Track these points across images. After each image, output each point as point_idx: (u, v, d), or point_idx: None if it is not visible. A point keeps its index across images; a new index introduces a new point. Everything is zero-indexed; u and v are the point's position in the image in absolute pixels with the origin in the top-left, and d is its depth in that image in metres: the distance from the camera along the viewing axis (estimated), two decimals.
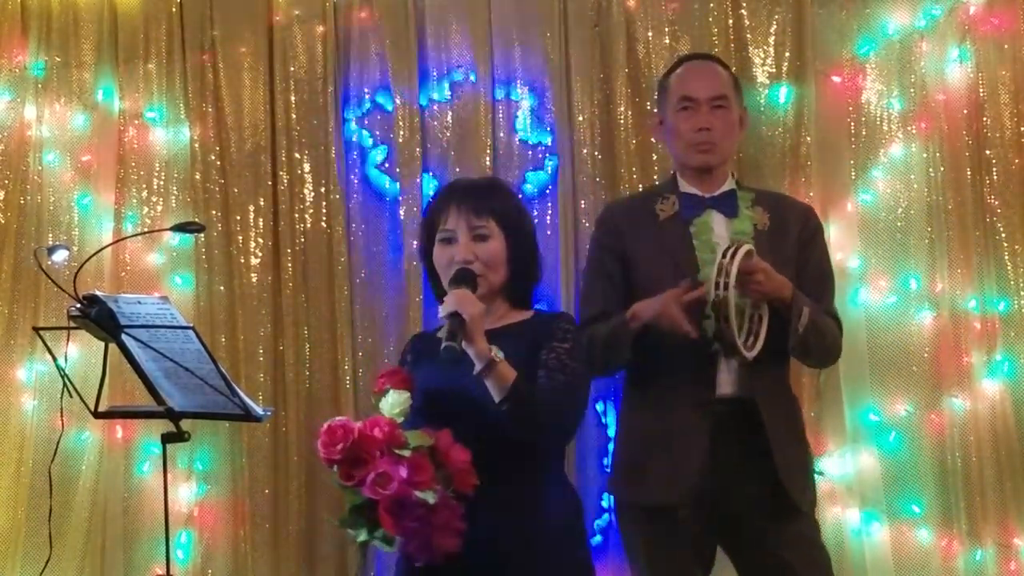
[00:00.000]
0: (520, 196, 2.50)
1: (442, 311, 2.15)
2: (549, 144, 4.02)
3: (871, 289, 3.82)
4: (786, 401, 2.77)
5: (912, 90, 3.85)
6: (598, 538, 3.88)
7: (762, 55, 3.94)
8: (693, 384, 2.65)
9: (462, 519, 2.04)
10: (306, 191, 4.10)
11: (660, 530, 2.71)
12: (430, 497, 1.99)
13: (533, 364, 2.21)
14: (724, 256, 2.49)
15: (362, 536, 2.04)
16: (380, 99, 4.10)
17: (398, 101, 4.06)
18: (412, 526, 2.00)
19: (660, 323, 2.56)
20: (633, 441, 2.78)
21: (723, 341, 2.52)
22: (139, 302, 2.71)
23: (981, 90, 3.81)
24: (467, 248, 2.26)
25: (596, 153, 3.99)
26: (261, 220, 4.09)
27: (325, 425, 2.06)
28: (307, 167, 4.10)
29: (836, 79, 3.90)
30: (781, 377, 2.77)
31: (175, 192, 4.14)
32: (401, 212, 4.06)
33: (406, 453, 2.01)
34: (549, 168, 4.02)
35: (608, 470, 2.86)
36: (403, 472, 1.98)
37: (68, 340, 3.15)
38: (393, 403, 2.13)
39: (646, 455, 2.72)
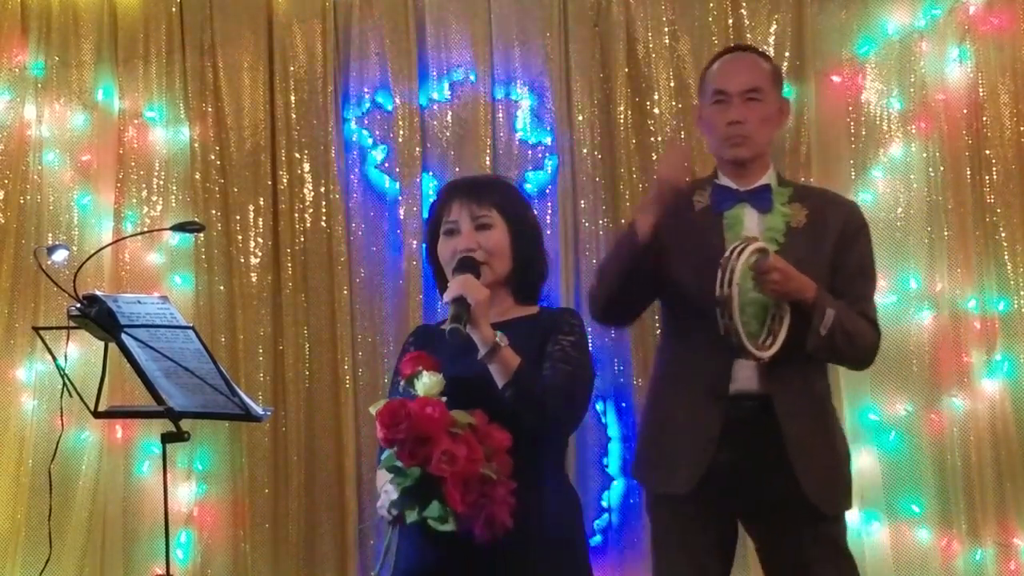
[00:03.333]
0: (525, 195, 2.47)
1: (446, 296, 2.16)
2: (549, 144, 4.02)
3: None
4: (810, 401, 2.67)
5: (912, 90, 3.85)
6: (598, 538, 3.88)
7: None
8: (710, 377, 2.63)
9: (513, 495, 2.05)
10: (306, 191, 4.10)
11: (676, 518, 2.71)
12: (492, 473, 2.01)
13: (538, 358, 2.22)
14: (731, 253, 2.46)
15: (413, 516, 2.03)
16: (380, 99, 4.10)
17: (398, 101, 4.07)
18: (479, 502, 2.01)
19: (656, 185, 2.53)
20: (652, 430, 2.79)
21: (730, 340, 2.48)
22: (139, 302, 2.71)
23: (981, 90, 3.82)
24: (470, 237, 2.27)
25: (596, 153, 3.99)
26: (261, 220, 4.10)
27: (381, 406, 2.05)
28: (307, 167, 4.10)
29: (836, 79, 3.90)
30: (806, 375, 2.68)
31: (175, 192, 4.14)
32: (401, 212, 4.06)
33: (458, 431, 2.02)
34: (549, 168, 4.02)
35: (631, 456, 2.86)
36: (464, 450, 1.99)
37: (68, 340, 3.15)
38: (430, 384, 2.12)
39: (661, 444, 2.72)
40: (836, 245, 2.68)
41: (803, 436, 2.61)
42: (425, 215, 4.01)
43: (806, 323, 2.55)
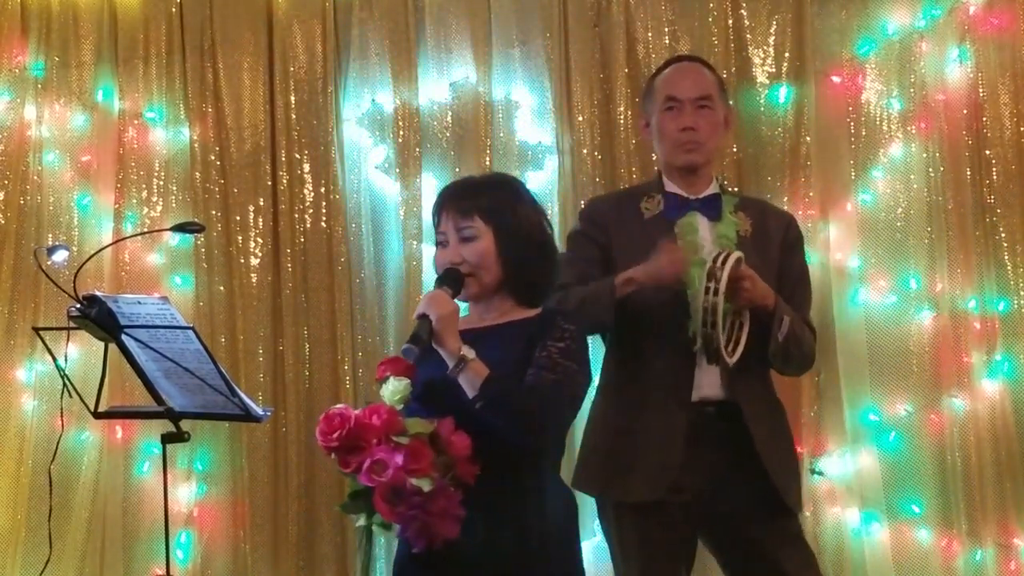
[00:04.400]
0: (524, 191, 2.44)
1: (415, 313, 2.19)
2: (549, 144, 4.02)
3: (871, 289, 3.82)
4: (770, 404, 2.77)
5: (912, 90, 3.85)
6: (597, 538, 3.87)
7: (762, 55, 3.94)
8: (672, 384, 2.65)
9: (460, 506, 2.05)
10: (306, 191, 4.10)
11: (638, 526, 2.71)
12: (426, 484, 1.99)
13: (527, 361, 2.21)
14: (715, 262, 2.49)
15: (361, 521, 2.07)
16: (380, 99, 4.10)
17: (398, 101, 4.07)
18: (408, 513, 2.01)
19: (659, 271, 2.55)
20: (607, 438, 2.76)
21: (708, 346, 2.53)
22: (139, 302, 2.71)
23: (981, 90, 3.81)
24: (454, 251, 2.28)
25: (596, 153, 3.99)
26: (261, 220, 4.10)
27: (324, 413, 2.08)
28: (307, 167, 4.10)
29: (836, 79, 3.90)
30: (764, 381, 2.77)
31: (175, 192, 4.14)
32: (401, 212, 4.06)
33: (404, 440, 2.02)
34: (549, 168, 4.02)
35: (576, 464, 2.84)
36: (399, 459, 1.99)
37: (68, 340, 3.15)
38: (393, 390, 2.15)
39: (620, 453, 2.71)
40: (780, 253, 2.76)
41: (768, 438, 2.67)
42: (425, 216, 4.01)
43: (763, 330, 2.61)
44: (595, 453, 2.79)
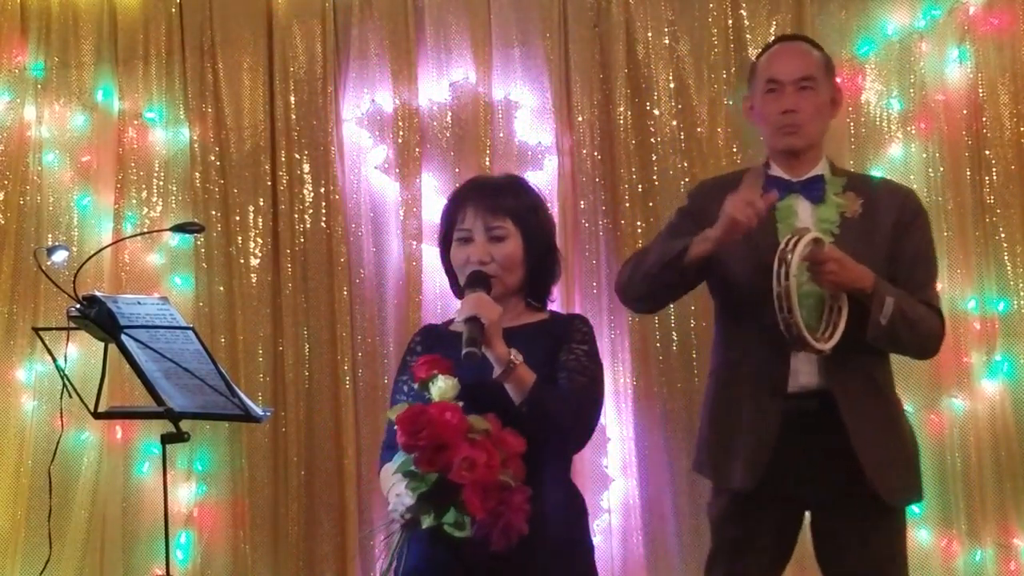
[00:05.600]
0: (540, 194, 2.44)
1: (459, 315, 2.15)
2: (549, 144, 4.02)
3: None
4: (872, 393, 2.64)
5: (912, 90, 3.85)
6: (598, 538, 3.88)
7: None
8: (768, 373, 2.61)
9: (528, 502, 2.05)
10: (306, 191, 4.10)
11: (735, 512, 2.71)
12: (510, 479, 2.00)
13: (550, 365, 2.22)
14: (786, 245, 2.42)
15: (428, 521, 2.03)
16: (380, 99, 4.10)
17: (398, 101, 4.07)
18: (498, 508, 2.01)
19: (727, 220, 2.45)
20: (711, 425, 2.78)
21: (788, 333, 2.45)
22: (139, 302, 2.71)
23: (981, 90, 3.81)
24: (483, 249, 2.25)
25: (596, 153, 3.99)
26: (261, 220, 4.10)
27: (401, 411, 2.05)
28: (307, 167, 4.10)
29: (836, 79, 3.89)
30: (869, 369, 2.64)
31: (175, 192, 4.14)
32: (401, 212, 4.06)
33: (476, 437, 2.02)
34: (548, 168, 4.02)
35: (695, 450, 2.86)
36: (482, 456, 1.99)
37: (68, 340, 3.15)
38: (445, 388, 2.11)
39: (720, 440, 2.72)
40: (892, 233, 2.64)
41: (866, 428, 2.58)
42: (425, 216, 4.01)
43: (865, 314, 2.51)
44: (704, 438, 2.81)
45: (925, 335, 2.65)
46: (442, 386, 2.11)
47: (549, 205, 3.90)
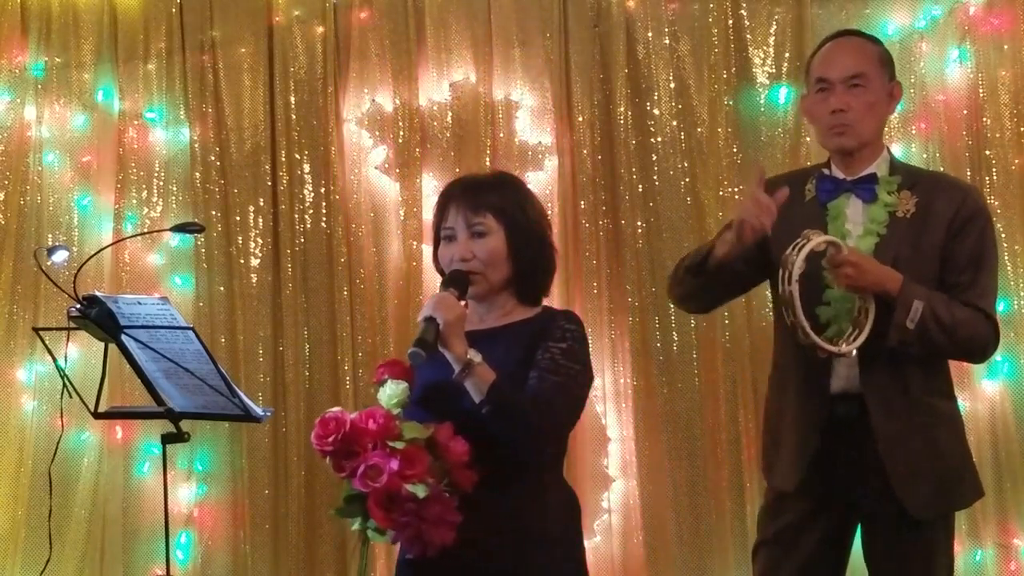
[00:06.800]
0: (528, 189, 2.43)
1: (420, 315, 2.15)
2: (549, 144, 4.02)
3: None
4: (907, 398, 2.57)
5: (912, 90, 3.85)
6: (598, 539, 3.88)
7: (762, 55, 3.95)
8: (812, 376, 2.60)
9: (456, 512, 2.03)
10: (306, 191, 4.10)
11: (785, 514, 2.69)
12: (420, 491, 1.97)
13: (526, 364, 2.19)
14: (792, 250, 2.42)
15: (356, 525, 2.05)
16: (380, 99, 4.10)
17: (398, 101, 4.07)
18: (402, 519, 1.99)
19: (739, 224, 2.45)
20: (768, 426, 2.78)
21: (799, 337, 2.45)
22: (139, 303, 2.71)
23: (981, 90, 3.81)
24: (464, 246, 2.24)
25: (596, 153, 3.99)
26: (261, 220, 4.10)
27: (320, 416, 2.06)
28: (307, 167, 4.10)
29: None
30: (903, 373, 2.57)
31: (175, 193, 4.14)
32: (401, 212, 4.06)
33: (400, 445, 2.00)
34: (549, 168, 4.02)
35: None
36: (394, 465, 1.97)
37: (68, 340, 3.15)
38: (391, 394, 2.11)
39: (771, 439, 2.73)
40: (945, 234, 2.59)
41: (897, 435, 2.54)
42: (425, 216, 4.01)
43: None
44: (762, 437, 2.82)
45: (966, 338, 2.58)
46: (388, 391, 2.11)
47: (548, 204, 3.96)
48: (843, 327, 2.52)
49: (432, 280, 3.98)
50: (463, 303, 2.19)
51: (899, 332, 2.48)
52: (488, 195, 2.27)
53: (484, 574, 2.14)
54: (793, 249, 2.43)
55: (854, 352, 2.49)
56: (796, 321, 2.42)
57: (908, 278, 2.49)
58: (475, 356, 2.10)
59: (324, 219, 4.08)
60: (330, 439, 2.01)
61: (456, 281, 2.21)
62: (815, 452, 2.58)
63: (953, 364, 3.70)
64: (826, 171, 2.70)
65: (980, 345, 2.65)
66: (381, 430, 2.01)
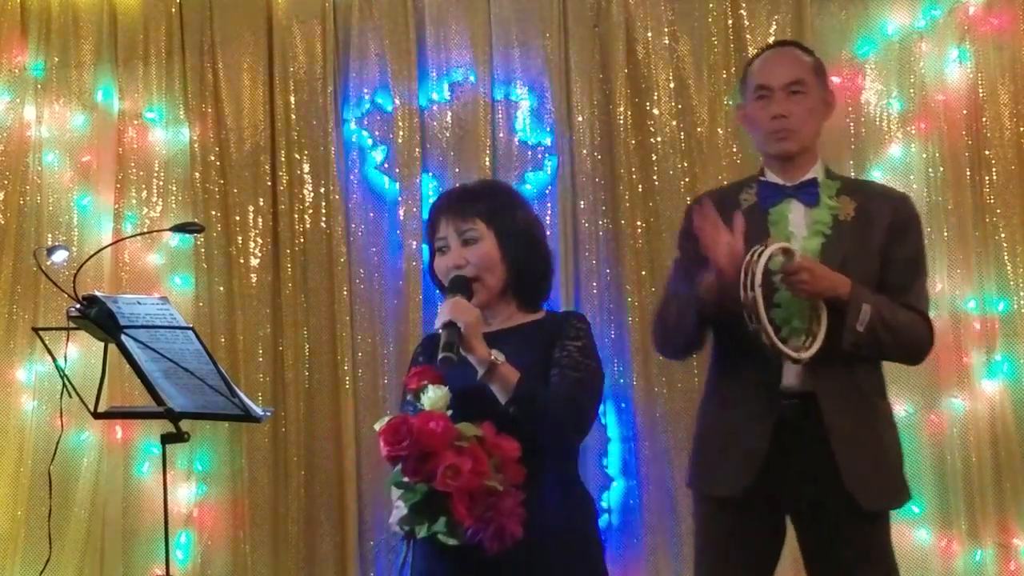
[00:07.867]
0: (519, 195, 2.45)
1: (437, 323, 2.16)
2: (549, 144, 4.02)
3: None
4: (856, 397, 2.63)
5: (911, 90, 3.85)
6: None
7: None
8: (760, 377, 2.61)
9: (522, 505, 2.06)
10: (306, 191, 4.10)
11: (720, 520, 2.70)
12: (498, 484, 2.01)
13: (545, 364, 2.21)
14: (751, 256, 2.43)
15: (423, 532, 2.04)
16: (379, 99, 4.10)
17: (397, 101, 4.07)
18: (486, 514, 2.02)
19: (719, 271, 2.47)
20: (705, 431, 2.78)
21: (762, 343, 2.46)
22: (139, 302, 2.71)
23: (980, 90, 3.82)
24: (457, 254, 2.27)
25: (596, 153, 3.99)
26: (261, 220, 4.10)
27: (383, 424, 2.06)
28: (307, 167, 4.10)
29: (836, 79, 3.89)
30: (852, 373, 2.62)
31: (175, 192, 4.14)
32: (400, 212, 4.06)
33: (464, 444, 2.02)
34: (548, 168, 4.02)
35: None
36: (468, 463, 1.99)
37: (68, 340, 3.14)
38: (435, 398, 2.12)
39: (715, 446, 2.71)
40: (885, 238, 2.64)
41: (848, 431, 2.58)
42: (425, 216, 4.01)
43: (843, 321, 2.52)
44: (694, 446, 2.81)
45: (909, 341, 2.65)
46: (432, 396, 2.12)
47: (548, 205, 3.96)
48: (795, 326, 2.55)
49: (430, 281, 3.98)
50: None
51: (850, 335, 2.52)
52: (476, 202, 2.30)
53: (508, 570, 2.14)
54: (753, 255, 2.44)
55: (806, 357, 2.52)
56: (760, 326, 2.44)
57: (855, 281, 2.54)
58: (498, 356, 2.12)
59: (324, 219, 4.08)
60: (404, 444, 2.01)
61: (460, 286, 2.23)
62: (765, 454, 2.59)
63: (953, 364, 3.76)
64: (762, 178, 2.73)
65: (920, 347, 2.70)
66: (445, 431, 2.02)
